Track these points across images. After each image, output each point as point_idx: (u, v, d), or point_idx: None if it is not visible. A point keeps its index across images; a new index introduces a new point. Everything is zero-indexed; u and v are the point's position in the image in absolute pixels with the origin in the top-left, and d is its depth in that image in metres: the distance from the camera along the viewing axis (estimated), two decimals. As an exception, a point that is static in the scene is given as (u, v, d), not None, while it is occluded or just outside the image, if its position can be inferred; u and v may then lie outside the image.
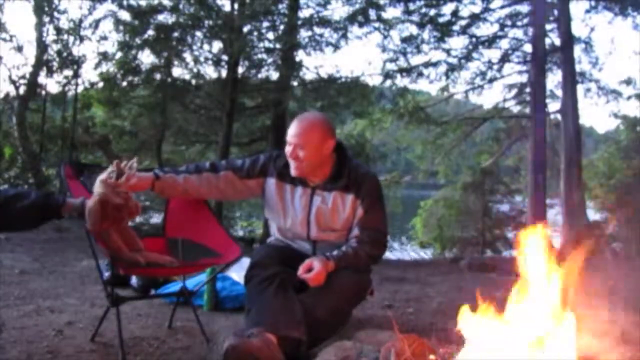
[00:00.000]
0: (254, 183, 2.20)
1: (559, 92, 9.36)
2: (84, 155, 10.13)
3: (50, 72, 9.62)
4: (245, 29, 7.96)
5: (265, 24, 8.22)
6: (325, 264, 2.00)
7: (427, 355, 1.57)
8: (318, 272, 1.97)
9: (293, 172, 2.10)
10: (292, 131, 2.07)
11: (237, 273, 2.84)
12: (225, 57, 8.31)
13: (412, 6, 8.88)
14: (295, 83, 8.66)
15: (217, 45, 8.44)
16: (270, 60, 8.41)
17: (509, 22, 9.68)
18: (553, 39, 9.36)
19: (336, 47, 8.19)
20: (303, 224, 2.16)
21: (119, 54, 8.55)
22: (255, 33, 8.14)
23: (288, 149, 2.08)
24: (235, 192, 2.24)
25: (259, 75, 8.92)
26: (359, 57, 10.15)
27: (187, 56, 8.52)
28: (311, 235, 2.17)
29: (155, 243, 2.35)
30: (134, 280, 3.14)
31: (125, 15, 8.19)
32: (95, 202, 1.79)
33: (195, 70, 8.70)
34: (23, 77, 9.46)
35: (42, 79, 9.69)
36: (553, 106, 9.74)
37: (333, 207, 2.12)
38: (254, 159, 2.23)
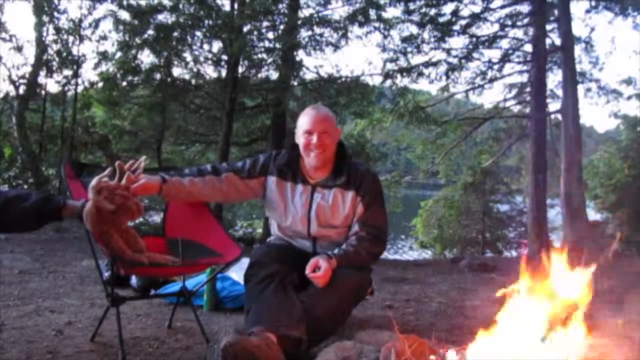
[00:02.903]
0: (255, 183, 2.21)
1: (559, 92, 9.35)
2: (84, 155, 10.09)
3: (50, 72, 9.62)
4: (245, 28, 7.94)
5: (265, 23, 8.20)
6: (329, 262, 2.01)
7: (427, 356, 1.57)
8: (325, 270, 1.98)
9: (314, 161, 2.11)
10: (315, 119, 2.09)
11: (237, 273, 2.84)
12: (225, 57, 8.29)
13: (412, 6, 8.87)
14: (295, 83, 8.65)
15: (217, 45, 8.44)
16: (270, 60, 8.39)
17: (509, 22, 9.68)
18: (553, 38, 9.36)
19: (336, 47, 8.18)
20: (303, 220, 2.16)
21: (118, 54, 8.56)
22: (255, 33, 8.11)
23: (311, 139, 2.08)
24: (238, 193, 2.24)
25: (259, 75, 8.90)
26: (359, 57, 10.16)
27: (187, 56, 8.51)
28: (311, 232, 2.17)
29: (155, 243, 2.34)
30: (133, 280, 3.14)
31: (125, 15, 8.19)
32: (91, 206, 1.78)
33: (195, 70, 8.69)
34: (23, 77, 9.47)
35: (42, 78, 9.71)
36: (553, 106, 9.73)
37: (333, 204, 2.14)
38: (254, 159, 2.25)
